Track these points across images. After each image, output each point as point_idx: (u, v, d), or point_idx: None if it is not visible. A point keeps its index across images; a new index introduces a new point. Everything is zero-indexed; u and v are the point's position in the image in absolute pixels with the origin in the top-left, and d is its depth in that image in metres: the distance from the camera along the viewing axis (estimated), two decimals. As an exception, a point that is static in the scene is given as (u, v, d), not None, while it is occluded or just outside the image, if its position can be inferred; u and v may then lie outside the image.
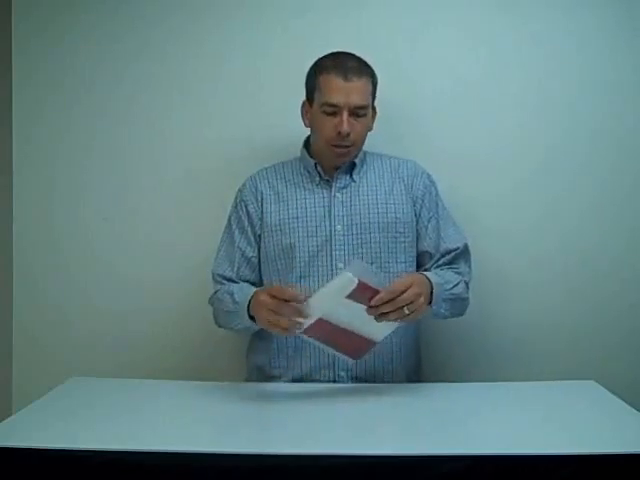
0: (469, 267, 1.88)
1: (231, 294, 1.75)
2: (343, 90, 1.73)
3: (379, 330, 1.57)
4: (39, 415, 1.49)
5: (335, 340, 1.58)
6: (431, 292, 1.65)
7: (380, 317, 1.53)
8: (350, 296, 1.49)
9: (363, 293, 1.50)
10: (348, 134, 1.74)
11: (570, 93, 2.08)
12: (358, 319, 1.54)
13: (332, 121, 1.75)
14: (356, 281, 1.48)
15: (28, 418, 1.47)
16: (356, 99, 1.74)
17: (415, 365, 1.92)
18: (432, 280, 1.67)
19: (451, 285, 1.74)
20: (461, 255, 1.86)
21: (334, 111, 1.74)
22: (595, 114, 2.08)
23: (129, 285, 2.13)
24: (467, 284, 1.82)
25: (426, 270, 1.84)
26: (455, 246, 1.85)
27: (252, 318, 1.66)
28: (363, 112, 1.75)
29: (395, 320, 1.54)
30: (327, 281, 1.69)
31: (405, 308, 1.53)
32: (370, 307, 1.52)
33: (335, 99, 1.73)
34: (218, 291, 1.82)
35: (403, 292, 1.53)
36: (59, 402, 1.59)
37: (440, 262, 1.84)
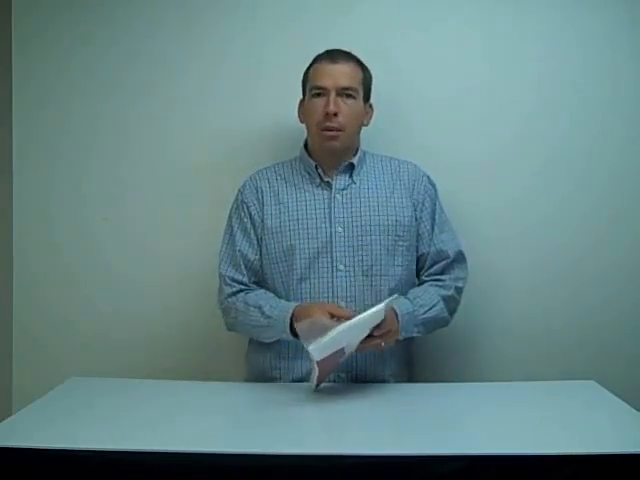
0: (463, 272, 1.88)
1: (259, 307, 1.74)
2: (330, 72, 1.76)
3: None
4: (39, 415, 1.49)
5: (328, 366, 1.60)
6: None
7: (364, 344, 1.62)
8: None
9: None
10: (335, 114, 1.75)
11: (571, 94, 2.08)
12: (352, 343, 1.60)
13: (320, 103, 1.76)
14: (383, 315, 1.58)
15: (28, 418, 1.47)
16: (343, 80, 1.76)
17: (415, 366, 1.92)
18: (399, 313, 1.70)
19: (425, 309, 1.76)
20: (454, 262, 1.86)
21: (322, 92, 1.76)
22: (596, 116, 2.08)
23: (129, 285, 2.13)
24: (448, 298, 1.82)
25: (419, 275, 1.87)
26: (447, 253, 1.85)
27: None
28: (351, 94, 1.77)
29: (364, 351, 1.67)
30: (327, 282, 1.77)
31: (382, 342, 1.64)
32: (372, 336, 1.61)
33: (322, 81, 1.76)
34: (235, 299, 1.80)
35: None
36: (59, 402, 1.59)
37: (432, 270, 1.86)
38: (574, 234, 2.08)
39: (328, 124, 1.76)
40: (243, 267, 1.83)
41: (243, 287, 1.82)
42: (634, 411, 1.48)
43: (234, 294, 1.81)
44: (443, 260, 1.85)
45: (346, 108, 1.76)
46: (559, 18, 2.08)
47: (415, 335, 1.76)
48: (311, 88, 1.79)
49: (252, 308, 1.76)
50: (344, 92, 1.76)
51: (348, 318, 1.58)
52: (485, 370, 2.05)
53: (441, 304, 1.80)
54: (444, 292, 1.82)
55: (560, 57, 2.08)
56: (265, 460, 1.25)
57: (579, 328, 2.08)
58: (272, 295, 1.80)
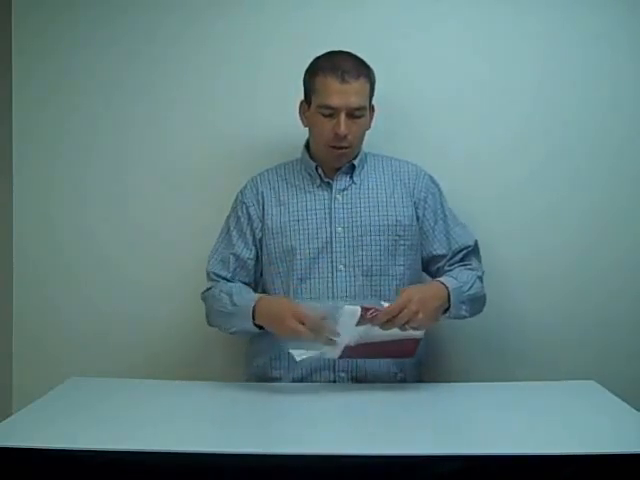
0: (480, 262, 1.89)
1: (229, 295, 1.75)
2: (340, 92, 1.72)
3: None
4: (39, 415, 1.49)
5: (378, 352, 1.63)
6: (449, 299, 1.69)
7: (385, 325, 1.59)
8: (360, 323, 1.57)
9: (370, 315, 1.58)
10: (345, 135, 1.74)
11: (571, 94, 2.08)
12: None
13: (329, 123, 1.75)
14: (359, 309, 1.57)
15: (28, 418, 1.47)
16: (353, 101, 1.73)
17: (415, 366, 1.92)
18: (449, 286, 1.70)
19: (468, 286, 1.75)
20: (472, 252, 1.87)
21: (331, 113, 1.74)
22: (596, 116, 2.08)
23: (129, 285, 2.13)
24: (481, 279, 1.83)
25: (439, 269, 1.86)
26: (467, 244, 1.86)
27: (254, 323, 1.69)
28: (360, 113, 1.75)
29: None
30: (328, 283, 1.78)
31: (406, 325, 1.59)
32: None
33: (332, 101, 1.73)
34: (213, 288, 1.83)
35: (400, 312, 1.59)
36: (59, 402, 1.59)
37: (452, 260, 1.85)
38: (574, 233, 2.09)
39: (337, 144, 1.76)
40: (232, 265, 1.84)
41: (228, 282, 1.83)
42: (634, 411, 1.48)
43: (211, 288, 1.83)
44: (464, 250, 1.86)
45: (355, 127, 1.76)
46: (559, 18, 2.08)
47: (462, 315, 1.74)
48: (320, 106, 1.75)
49: (224, 295, 1.76)
50: (354, 113, 1.74)
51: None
52: (485, 370, 2.05)
53: (478, 282, 1.80)
54: (476, 273, 1.82)
55: (560, 57, 2.08)
56: (265, 460, 1.25)
57: (579, 328, 2.08)
58: (249, 289, 1.81)
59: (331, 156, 1.80)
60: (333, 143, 1.76)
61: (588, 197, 2.09)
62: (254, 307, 1.69)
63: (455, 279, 1.74)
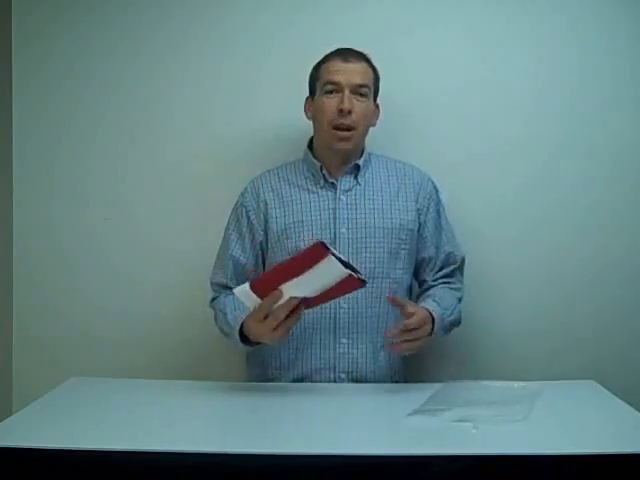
0: (462, 279, 1.90)
1: (224, 314, 1.75)
2: (343, 70, 1.76)
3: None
4: (39, 415, 1.49)
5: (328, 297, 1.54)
6: (432, 326, 1.67)
7: (392, 347, 1.63)
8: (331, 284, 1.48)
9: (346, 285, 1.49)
10: (349, 112, 1.74)
11: (571, 94, 2.08)
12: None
13: (333, 100, 1.76)
14: (347, 273, 1.45)
15: (28, 418, 1.47)
16: (357, 78, 1.75)
17: (416, 366, 1.92)
18: (435, 315, 1.68)
19: (449, 312, 1.75)
20: (458, 269, 1.88)
21: (335, 89, 1.75)
22: (596, 116, 2.08)
23: (129, 285, 2.13)
24: (460, 300, 1.84)
25: (425, 280, 1.87)
26: (455, 258, 1.88)
27: (244, 341, 1.67)
28: (364, 91, 1.77)
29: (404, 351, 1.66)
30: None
31: (419, 341, 1.62)
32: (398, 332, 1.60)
33: (336, 77, 1.75)
34: (215, 300, 1.84)
35: (422, 326, 1.61)
36: (59, 402, 1.59)
37: (441, 273, 1.86)
38: (575, 233, 2.09)
39: (342, 122, 1.75)
40: (231, 272, 1.83)
41: (224, 291, 1.83)
42: (634, 411, 1.48)
43: (216, 298, 1.84)
44: (452, 264, 1.87)
45: (359, 106, 1.76)
46: (560, 18, 2.08)
47: (437, 339, 1.73)
48: (324, 84, 1.77)
49: (220, 314, 1.77)
50: (358, 90, 1.76)
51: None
52: (484, 371, 2.05)
53: (459, 306, 1.81)
54: (458, 294, 1.83)
55: (561, 57, 2.08)
56: (265, 460, 1.25)
57: (579, 328, 2.08)
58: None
59: (335, 139, 1.77)
60: (337, 121, 1.75)
61: (589, 198, 2.09)
62: (241, 331, 1.66)
63: (439, 305, 1.72)
